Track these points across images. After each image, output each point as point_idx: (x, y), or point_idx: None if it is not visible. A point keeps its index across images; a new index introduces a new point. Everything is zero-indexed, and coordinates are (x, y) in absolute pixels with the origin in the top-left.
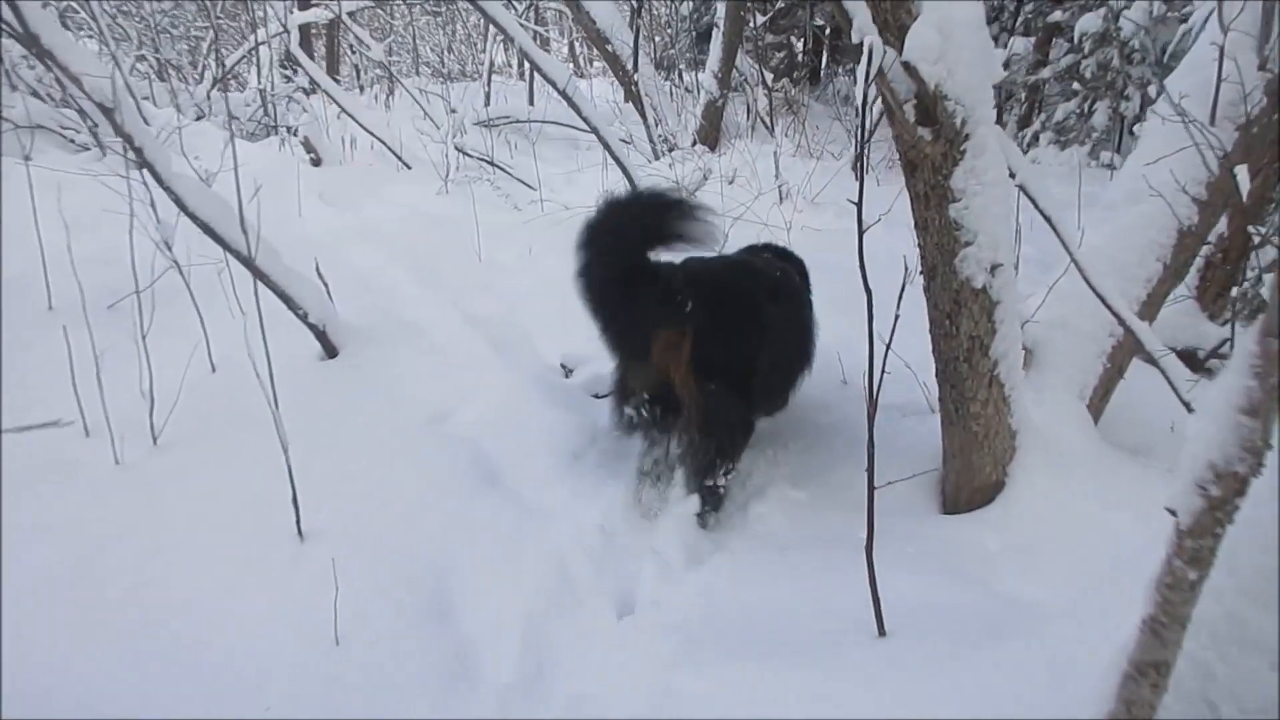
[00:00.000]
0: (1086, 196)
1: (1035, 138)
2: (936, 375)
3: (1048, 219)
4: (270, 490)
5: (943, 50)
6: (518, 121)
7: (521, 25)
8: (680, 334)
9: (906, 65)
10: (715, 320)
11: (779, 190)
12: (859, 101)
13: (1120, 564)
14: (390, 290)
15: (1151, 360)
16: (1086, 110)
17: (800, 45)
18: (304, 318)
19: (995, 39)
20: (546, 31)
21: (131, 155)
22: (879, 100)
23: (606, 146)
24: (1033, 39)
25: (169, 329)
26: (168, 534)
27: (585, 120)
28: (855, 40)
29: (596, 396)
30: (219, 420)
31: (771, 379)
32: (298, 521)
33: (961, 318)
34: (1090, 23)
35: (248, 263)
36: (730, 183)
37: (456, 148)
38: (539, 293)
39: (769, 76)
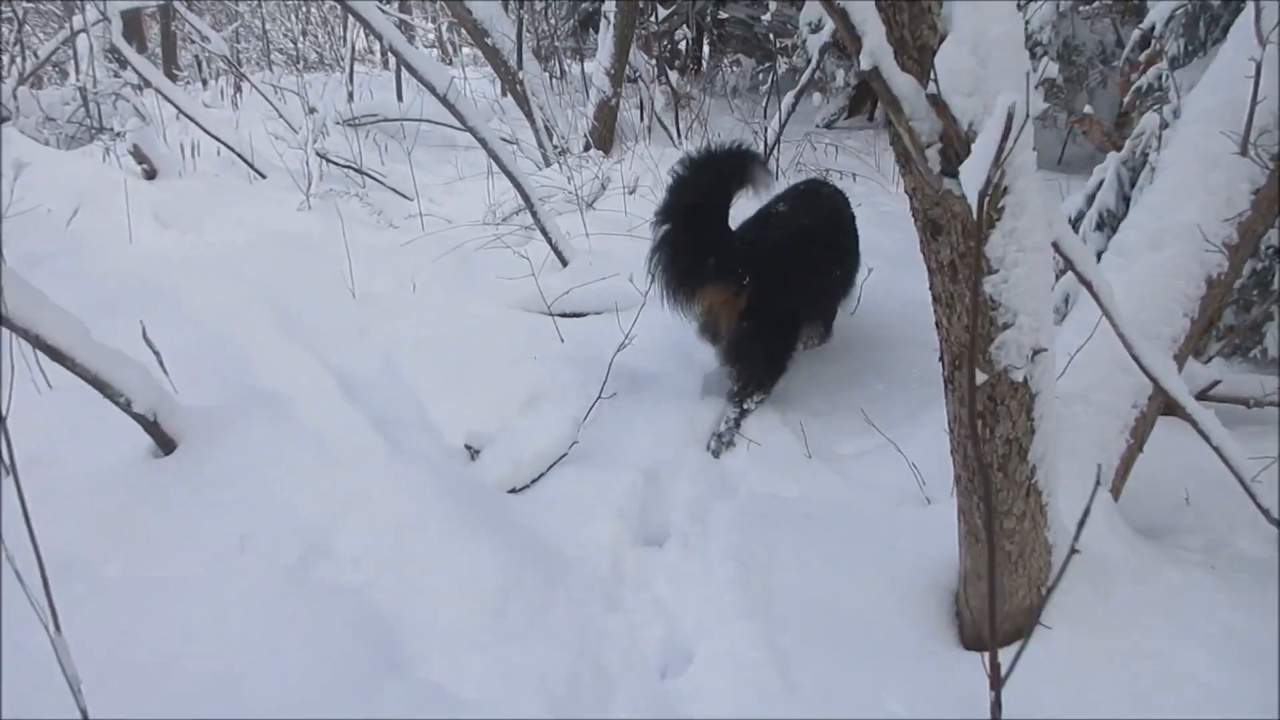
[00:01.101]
0: None
1: None
2: (957, 484)
3: (1088, 285)
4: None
5: (978, 79)
6: (387, 120)
7: (383, 12)
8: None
9: (934, 99)
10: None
11: None
12: (972, 195)
13: None
14: (244, 345)
15: (1227, 464)
16: None
17: (685, 33)
18: (126, 406)
19: None
20: (412, 19)
21: None
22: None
23: (497, 160)
24: None
25: None
26: None
27: (472, 131)
28: (865, 66)
29: (513, 491)
30: None
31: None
32: None
33: (997, 418)
34: None
35: (39, 345)
36: (632, 193)
37: (319, 154)
38: (429, 339)
39: (674, 76)
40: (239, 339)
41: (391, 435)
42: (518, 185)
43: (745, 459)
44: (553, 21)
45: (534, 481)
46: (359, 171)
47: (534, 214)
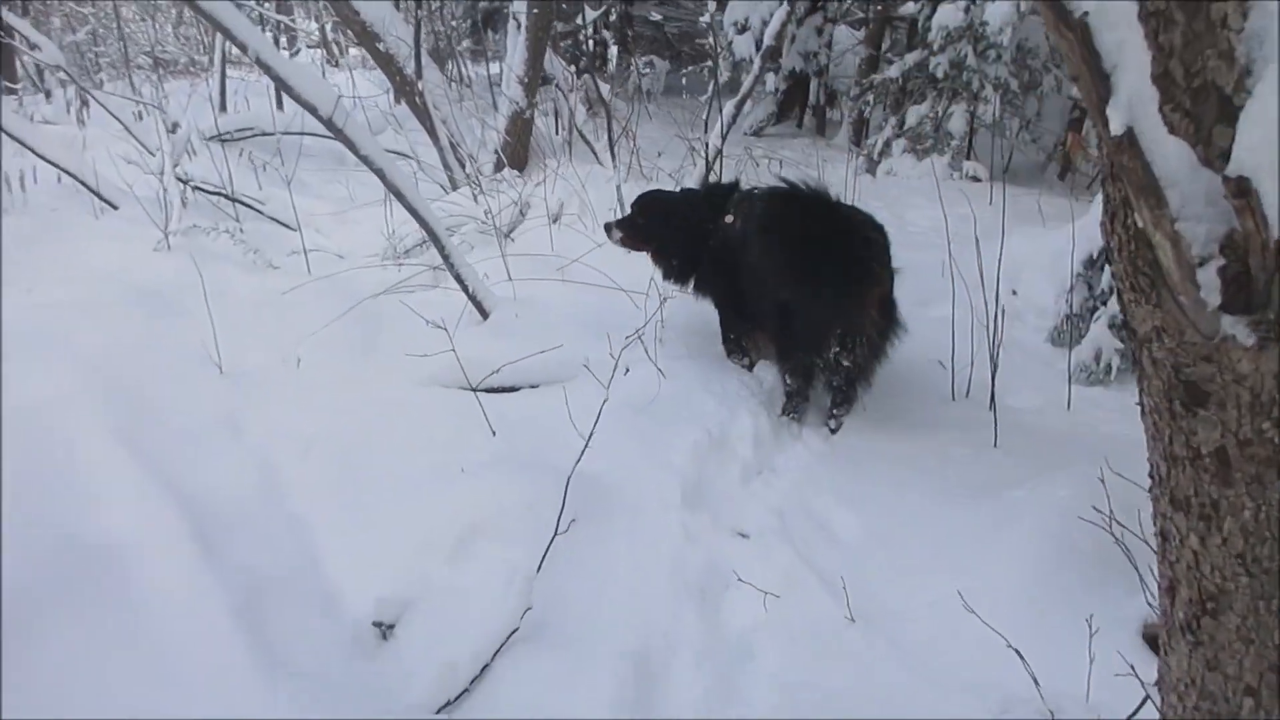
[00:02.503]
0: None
1: (887, 145)
2: None
3: None
4: None
5: None
6: (265, 135)
7: (261, 14)
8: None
9: (1240, 185)
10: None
11: None
12: None
13: None
14: (62, 466)
15: None
16: (942, 114)
17: (605, 35)
18: None
19: (819, 30)
20: (292, 20)
21: None
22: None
23: (400, 197)
24: (861, 31)
25: None
26: None
27: (366, 161)
28: (1118, 128)
29: (446, 707)
30: None
31: None
32: None
33: None
34: (950, 16)
35: None
36: (556, 221)
37: (180, 179)
38: (321, 440)
39: (604, 87)
40: (55, 456)
41: (266, 617)
42: (427, 226)
43: (762, 621)
44: (450, 21)
45: (474, 681)
46: (230, 199)
47: (446, 258)
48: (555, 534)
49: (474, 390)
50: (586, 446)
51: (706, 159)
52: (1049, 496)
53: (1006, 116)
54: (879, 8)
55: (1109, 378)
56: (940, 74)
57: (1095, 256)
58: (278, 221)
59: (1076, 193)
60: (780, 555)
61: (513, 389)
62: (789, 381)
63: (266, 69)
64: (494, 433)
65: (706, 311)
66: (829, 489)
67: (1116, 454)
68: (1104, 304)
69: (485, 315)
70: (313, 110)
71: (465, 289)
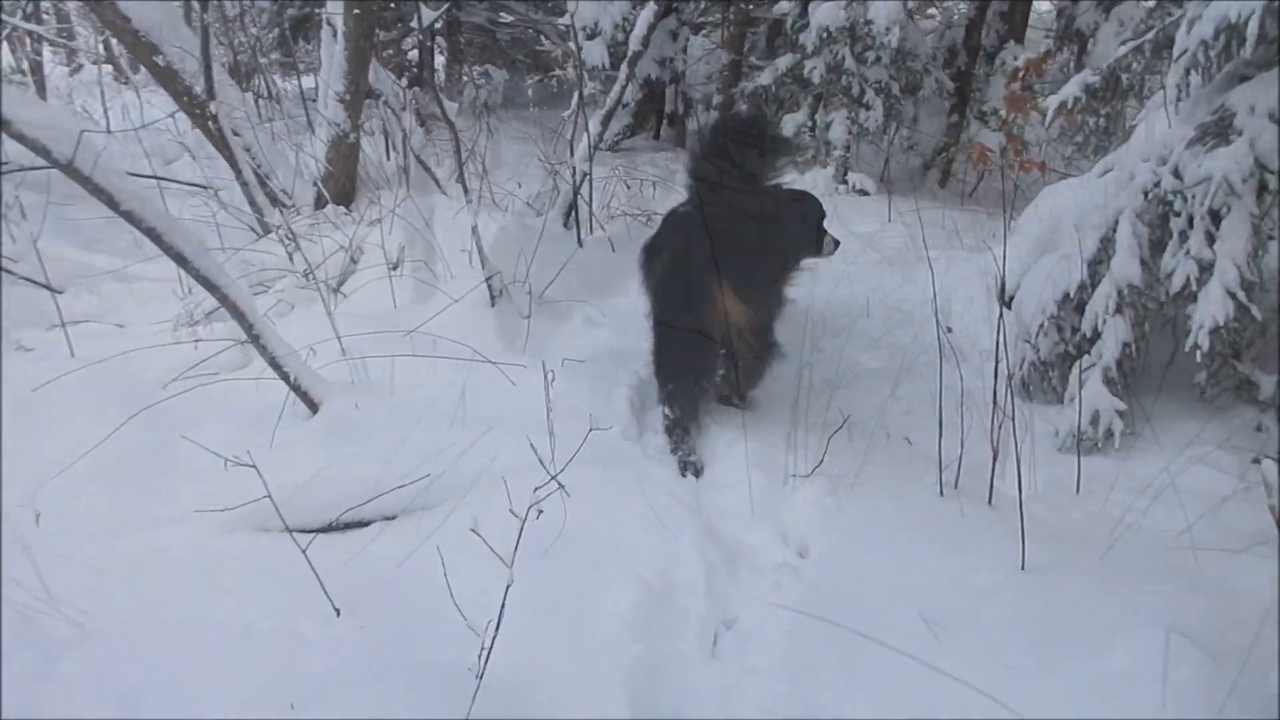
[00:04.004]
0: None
1: None
2: None
3: None
4: None
5: None
6: (25, 170)
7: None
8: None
9: None
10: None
11: (489, 287)
12: None
13: None
14: None
15: None
16: (820, 122)
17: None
18: None
19: (674, 35)
20: (69, 37)
21: None
22: None
23: (183, 263)
24: (710, 36)
25: None
26: None
27: (128, 218)
28: None
29: None
30: None
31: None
32: None
33: None
34: (829, 15)
35: None
36: (396, 268)
37: None
38: (64, 642)
39: (450, 107)
40: None
41: None
42: (227, 300)
43: None
44: (253, 30)
45: None
46: None
47: (255, 339)
48: None
49: (305, 536)
50: (487, 661)
51: (574, 183)
52: (1157, 678)
53: (887, 123)
54: (750, 6)
55: (1110, 445)
56: (816, 79)
57: (1070, 294)
58: (35, 284)
59: (964, 202)
60: None
61: (361, 524)
62: (669, 413)
63: None
64: (337, 612)
65: (601, 382)
66: (826, 662)
67: (1187, 570)
68: (1087, 352)
69: (315, 408)
70: (44, 153)
71: (286, 378)
